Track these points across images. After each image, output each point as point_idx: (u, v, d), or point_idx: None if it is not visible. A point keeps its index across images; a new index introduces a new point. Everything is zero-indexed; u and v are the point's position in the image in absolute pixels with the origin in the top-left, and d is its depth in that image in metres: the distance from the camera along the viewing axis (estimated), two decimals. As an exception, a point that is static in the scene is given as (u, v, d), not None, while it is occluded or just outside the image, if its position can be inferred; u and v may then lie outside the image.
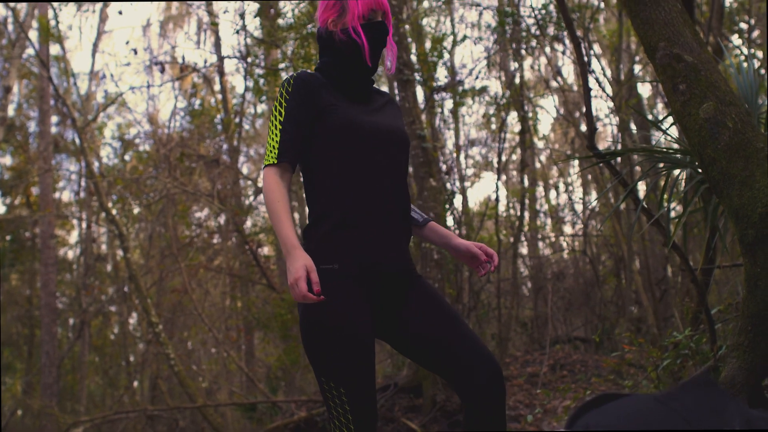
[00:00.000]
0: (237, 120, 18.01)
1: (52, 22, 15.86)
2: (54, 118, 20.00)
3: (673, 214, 5.84)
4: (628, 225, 14.68)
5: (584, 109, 5.50)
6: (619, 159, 12.46)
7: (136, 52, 14.32)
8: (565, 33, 12.93)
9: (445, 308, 3.39)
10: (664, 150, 5.33)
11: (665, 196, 5.16)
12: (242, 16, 14.15)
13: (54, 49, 18.04)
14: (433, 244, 3.91)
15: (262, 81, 14.45)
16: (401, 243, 3.41)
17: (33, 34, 17.86)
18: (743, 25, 15.04)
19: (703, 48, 4.61)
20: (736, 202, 3.98)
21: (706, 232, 5.53)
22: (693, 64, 4.39)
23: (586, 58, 13.95)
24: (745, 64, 5.64)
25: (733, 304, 5.80)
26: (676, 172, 5.32)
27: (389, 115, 3.60)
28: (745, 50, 14.49)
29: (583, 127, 16.10)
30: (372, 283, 3.29)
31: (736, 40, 15.15)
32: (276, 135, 3.39)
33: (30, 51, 16.18)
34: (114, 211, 15.95)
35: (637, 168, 12.87)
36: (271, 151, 3.39)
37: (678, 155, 5.17)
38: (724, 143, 4.13)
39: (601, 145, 20.33)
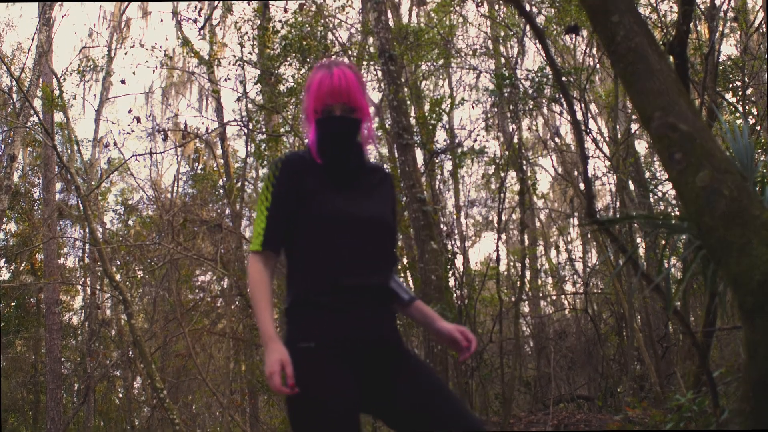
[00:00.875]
0: (239, 184, 18.12)
1: (56, 92, 16.02)
2: (58, 186, 20.11)
3: (671, 277, 5.89)
4: (628, 283, 14.73)
5: (582, 178, 5.60)
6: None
7: (138, 120, 14.48)
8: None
9: (432, 380, 3.44)
10: (662, 216, 5.40)
11: (665, 262, 5.22)
12: (243, 83, 14.33)
13: (58, 117, 18.20)
14: (418, 324, 3.93)
15: (263, 146, 14.58)
16: (381, 320, 3.44)
17: (37, 103, 18.03)
18: (737, 83, 15.18)
19: (698, 117, 4.70)
20: (735, 270, 4.02)
21: (706, 297, 5.59)
22: (688, 133, 4.47)
23: (582, 119, 14.11)
24: (739, 124, 5.70)
25: (734, 366, 5.85)
26: (675, 237, 5.38)
27: (375, 200, 3.57)
28: (740, 108, 14.64)
29: (582, 186, 16.20)
30: (354, 358, 3.30)
31: (730, 97, 15.29)
32: (262, 221, 3.47)
33: (34, 119, 16.31)
34: (118, 277, 16.00)
35: (636, 226, 12.94)
36: (256, 238, 3.47)
37: (676, 221, 5.24)
38: (720, 211, 4.18)
39: (600, 203, 20.45)
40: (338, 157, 3.52)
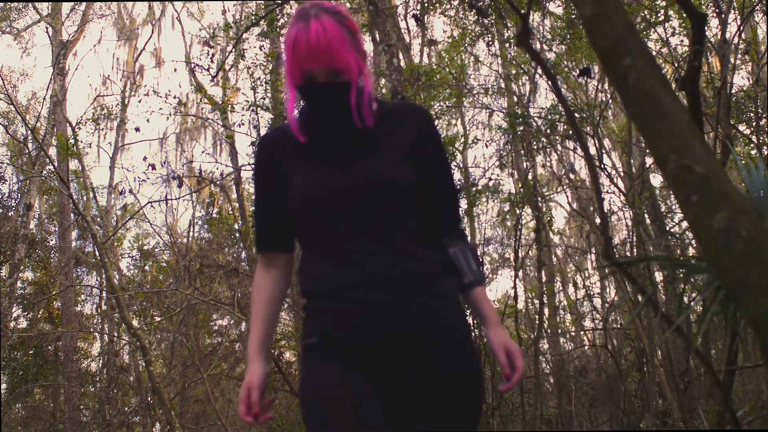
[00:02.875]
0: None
1: (71, 140, 16.12)
2: (74, 233, 20.20)
3: (692, 315, 5.86)
4: (648, 317, 14.65)
5: (599, 218, 5.59)
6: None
7: (153, 167, 14.56)
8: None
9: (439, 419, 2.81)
10: (681, 257, 5.38)
11: (684, 302, 5.19)
12: (257, 127, 14.37)
13: (73, 165, 18.30)
14: None
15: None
16: (395, 311, 2.80)
17: (52, 151, 18.14)
18: (751, 114, 15.16)
19: (713, 158, 4.68)
20: (754, 311, 3.98)
21: (727, 335, 5.55)
22: (704, 175, 4.45)
23: (596, 155, 14.10)
24: (754, 156, 5.69)
25: (758, 404, 5.80)
26: (694, 276, 5.35)
27: (379, 155, 2.95)
28: (754, 139, 14.60)
29: (598, 220, 16.16)
30: (363, 356, 2.81)
31: (744, 129, 15.26)
32: (253, 218, 3.11)
33: (50, 167, 16.43)
34: (135, 323, 16.02)
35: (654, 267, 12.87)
36: (253, 239, 3.21)
37: (694, 261, 5.21)
38: (738, 252, 4.16)
39: (617, 238, 20.37)
40: (326, 130, 2.97)
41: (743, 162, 5.92)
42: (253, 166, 3.19)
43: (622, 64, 4.86)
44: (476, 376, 2.93)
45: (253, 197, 3.16)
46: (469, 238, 17.67)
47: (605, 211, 5.51)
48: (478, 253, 3.32)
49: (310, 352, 2.89)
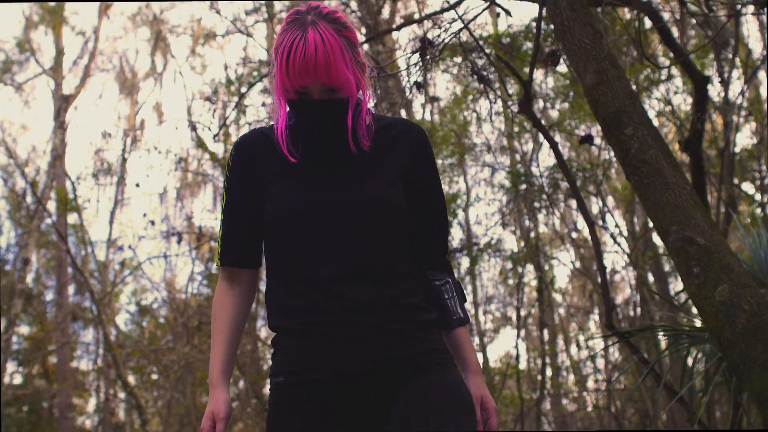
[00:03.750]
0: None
1: (70, 195, 16.10)
2: (71, 288, 20.13)
3: (696, 382, 5.77)
4: (651, 380, 14.51)
5: (601, 287, 5.49)
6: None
7: (153, 223, 14.52)
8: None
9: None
10: (685, 328, 5.29)
11: (687, 371, 5.11)
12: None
13: (72, 218, 18.27)
14: None
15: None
16: (374, 343, 2.55)
17: (51, 205, 18.12)
18: (755, 172, 15.13)
19: (715, 229, 4.61)
20: (758, 386, 3.93)
21: (729, 407, 5.45)
22: (706, 247, 4.38)
23: (599, 214, 14.06)
24: (757, 216, 5.64)
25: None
26: (697, 348, 5.27)
27: (371, 175, 2.70)
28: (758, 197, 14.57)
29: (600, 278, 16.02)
30: (336, 394, 2.56)
31: (748, 186, 15.25)
32: (221, 228, 2.84)
33: (48, 221, 16.42)
34: (132, 380, 15.90)
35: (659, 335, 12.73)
36: (217, 250, 2.84)
37: (697, 332, 5.13)
38: (741, 326, 4.09)
39: (620, 296, 20.29)
40: (316, 146, 2.71)
41: (746, 229, 5.85)
42: (227, 168, 2.86)
43: (624, 133, 4.79)
44: (470, 404, 2.63)
45: (223, 204, 2.82)
46: (470, 296, 17.65)
47: (606, 278, 5.42)
48: (468, 303, 3.13)
49: (279, 394, 2.63)
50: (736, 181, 14.13)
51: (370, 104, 2.84)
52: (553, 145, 5.83)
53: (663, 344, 6.93)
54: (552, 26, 5.39)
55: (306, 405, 2.57)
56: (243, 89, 13.84)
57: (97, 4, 19.56)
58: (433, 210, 2.88)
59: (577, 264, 17.89)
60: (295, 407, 2.58)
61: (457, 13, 5.45)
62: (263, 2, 15.60)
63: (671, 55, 9.41)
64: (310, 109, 2.61)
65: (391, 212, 2.67)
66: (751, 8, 6.63)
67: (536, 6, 5.60)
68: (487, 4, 5.87)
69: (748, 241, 5.68)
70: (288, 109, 2.66)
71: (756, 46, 15.23)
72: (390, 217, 2.67)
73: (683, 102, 15.14)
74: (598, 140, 12.90)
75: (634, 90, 5.10)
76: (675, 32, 10.34)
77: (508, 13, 6.13)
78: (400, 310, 2.61)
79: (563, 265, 23.88)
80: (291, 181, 2.67)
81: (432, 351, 2.63)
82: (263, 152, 2.75)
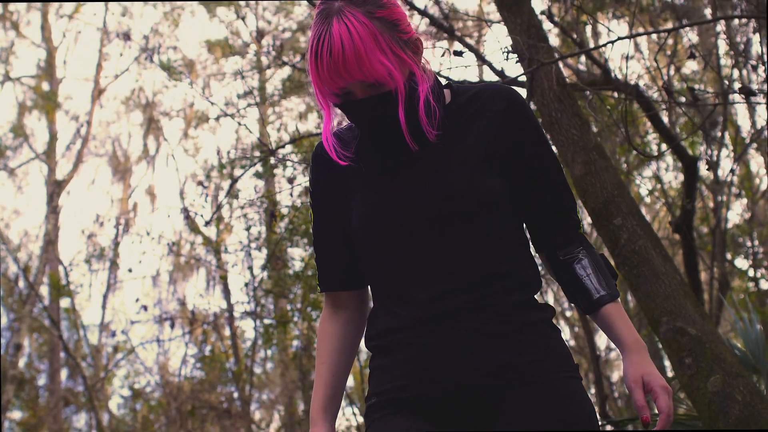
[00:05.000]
0: (248, 363, 17.99)
1: (63, 280, 16.09)
2: (64, 372, 20.01)
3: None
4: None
5: (594, 379, 5.50)
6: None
7: (146, 308, 14.47)
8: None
9: None
10: (680, 415, 5.29)
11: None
12: (250, 268, 14.37)
13: (64, 302, 18.22)
14: None
15: (272, 330, 14.51)
16: (466, 347, 2.20)
17: (44, 289, 18.08)
18: (748, 246, 15.14)
19: (706, 319, 4.63)
20: (753, 478, 3.93)
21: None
22: (697, 337, 4.40)
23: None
24: (751, 292, 5.66)
25: None
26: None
27: (452, 162, 2.31)
28: (751, 272, 14.56)
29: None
30: (434, 411, 2.24)
31: (741, 261, 15.24)
32: (313, 250, 2.54)
33: (41, 305, 16.39)
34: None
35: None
36: (317, 275, 2.51)
37: (693, 420, 5.13)
38: (734, 417, 4.10)
39: (615, 375, 20.17)
40: (380, 147, 2.37)
41: (737, 314, 5.86)
42: (309, 185, 2.53)
43: (613, 223, 4.83)
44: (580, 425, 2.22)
45: (313, 219, 2.50)
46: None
47: (599, 366, 5.43)
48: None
49: (372, 413, 2.32)
50: (729, 256, 14.15)
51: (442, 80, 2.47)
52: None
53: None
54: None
55: (396, 420, 2.25)
56: (238, 171, 13.91)
57: (90, 89, 19.76)
58: (545, 186, 2.42)
59: (572, 342, 17.82)
60: (386, 421, 2.27)
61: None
62: (255, 87, 15.79)
63: (660, 135, 9.49)
64: (357, 111, 2.28)
65: (479, 203, 2.27)
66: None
67: (524, 92, 5.67)
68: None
69: (740, 326, 5.70)
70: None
71: (744, 123, 15.36)
72: (479, 210, 2.27)
73: (674, 179, 15.22)
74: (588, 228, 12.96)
75: (622, 180, 5.15)
76: (664, 114, 10.44)
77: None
78: (503, 309, 2.24)
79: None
80: (366, 191, 2.35)
81: (537, 361, 2.24)
82: (336, 166, 2.38)
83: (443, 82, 2.47)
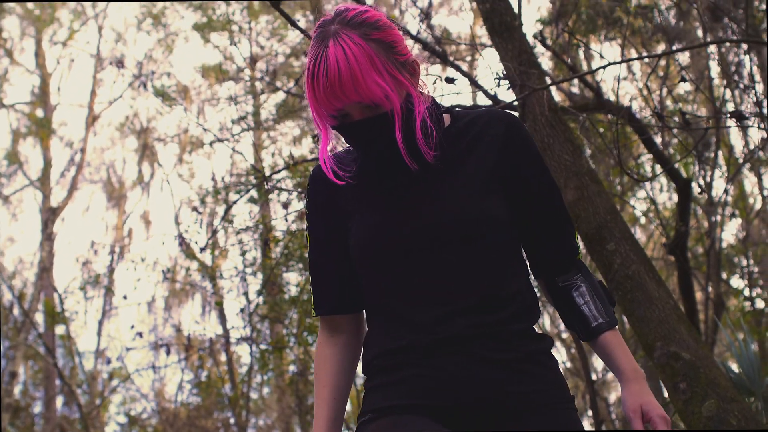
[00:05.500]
0: (244, 388, 17.96)
1: (58, 307, 16.07)
2: (59, 400, 19.95)
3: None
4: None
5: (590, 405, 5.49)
6: None
7: (141, 335, 14.45)
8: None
9: None
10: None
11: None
12: (246, 294, 14.36)
13: (60, 329, 18.18)
14: None
15: (268, 355, 14.50)
16: (469, 373, 2.19)
17: (39, 316, 18.05)
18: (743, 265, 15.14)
19: (700, 343, 4.63)
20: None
21: None
22: (691, 362, 4.40)
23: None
24: (746, 312, 5.66)
25: None
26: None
27: (453, 185, 2.31)
28: (747, 292, 14.54)
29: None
30: (443, 417, 2.20)
31: (736, 280, 15.23)
32: (309, 274, 2.50)
33: (36, 333, 16.36)
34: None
35: None
36: (311, 297, 2.49)
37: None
38: None
39: (613, 395, 20.16)
40: (380, 170, 2.36)
41: (732, 336, 5.87)
42: (305, 206, 2.50)
43: (606, 248, 4.84)
44: None
45: (309, 242, 2.47)
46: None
47: (595, 392, 5.43)
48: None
49: (368, 423, 2.26)
50: (724, 275, 14.15)
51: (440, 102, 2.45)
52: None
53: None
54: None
55: (404, 419, 2.21)
56: (232, 196, 13.91)
57: (84, 115, 19.79)
58: (544, 210, 2.41)
59: (569, 364, 17.80)
60: (395, 420, 2.21)
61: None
62: (250, 112, 15.83)
63: (654, 157, 9.50)
64: (354, 133, 2.27)
65: (479, 227, 2.26)
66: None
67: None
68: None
69: (734, 348, 5.70)
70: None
71: (737, 143, 15.41)
72: (480, 234, 2.26)
73: (668, 200, 15.24)
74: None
75: (614, 205, 5.16)
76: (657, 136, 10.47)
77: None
78: (505, 337, 2.23)
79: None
80: (366, 212, 2.34)
81: (541, 391, 2.24)
82: (336, 189, 2.38)
83: (444, 105, 2.47)
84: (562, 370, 2.52)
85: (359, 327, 2.50)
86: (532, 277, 2.49)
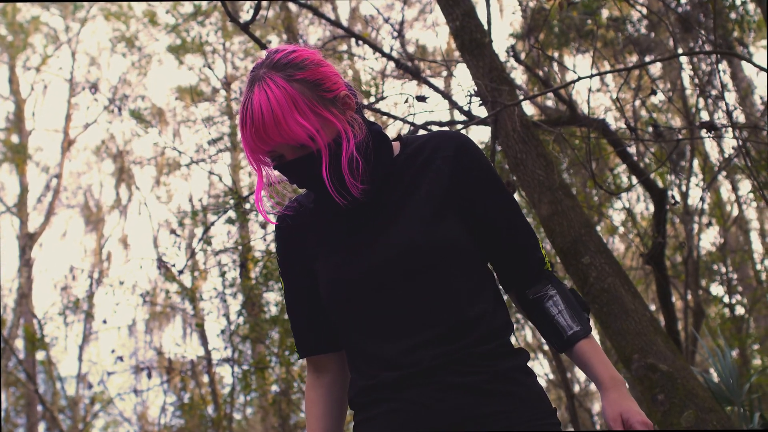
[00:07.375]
0: (227, 409, 17.91)
1: (38, 335, 16.00)
2: (42, 426, 19.85)
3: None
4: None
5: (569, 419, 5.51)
6: None
7: (122, 359, 14.42)
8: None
9: None
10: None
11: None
12: (226, 315, 14.35)
13: (40, 355, 18.10)
14: None
15: (250, 376, 14.46)
16: (439, 400, 2.19)
17: (19, 342, 17.96)
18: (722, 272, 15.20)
19: (677, 355, 4.64)
20: None
21: None
22: (669, 373, 4.41)
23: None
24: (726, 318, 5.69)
25: None
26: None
27: (406, 215, 2.30)
28: (726, 299, 14.61)
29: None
30: None
31: (715, 287, 15.29)
32: (289, 318, 2.50)
33: (16, 359, 16.27)
34: None
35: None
36: (294, 342, 2.50)
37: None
38: None
39: (597, 405, 20.18)
40: (328, 214, 2.38)
41: (710, 349, 5.89)
42: (277, 249, 2.48)
43: (582, 262, 4.86)
44: None
45: (284, 287, 2.48)
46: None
47: (575, 406, 5.44)
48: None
49: None
50: (703, 283, 14.22)
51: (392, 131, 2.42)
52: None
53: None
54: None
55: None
56: (210, 217, 13.89)
57: (60, 140, 19.73)
58: (504, 226, 2.40)
59: (551, 376, 17.81)
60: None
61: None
62: (227, 132, 15.82)
63: (628, 168, 9.54)
64: (288, 172, 2.29)
65: (438, 254, 2.25)
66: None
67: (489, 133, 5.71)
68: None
69: (713, 359, 5.71)
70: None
71: (712, 152, 15.51)
72: (439, 260, 2.25)
73: (645, 209, 15.30)
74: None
75: (588, 218, 5.18)
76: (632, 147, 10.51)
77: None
78: (472, 361, 2.22)
79: (538, 376, 23.79)
80: (329, 253, 2.35)
81: (512, 411, 2.22)
82: (304, 227, 2.43)
83: (393, 133, 2.47)
84: (545, 383, 2.53)
85: (344, 365, 2.49)
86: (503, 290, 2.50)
